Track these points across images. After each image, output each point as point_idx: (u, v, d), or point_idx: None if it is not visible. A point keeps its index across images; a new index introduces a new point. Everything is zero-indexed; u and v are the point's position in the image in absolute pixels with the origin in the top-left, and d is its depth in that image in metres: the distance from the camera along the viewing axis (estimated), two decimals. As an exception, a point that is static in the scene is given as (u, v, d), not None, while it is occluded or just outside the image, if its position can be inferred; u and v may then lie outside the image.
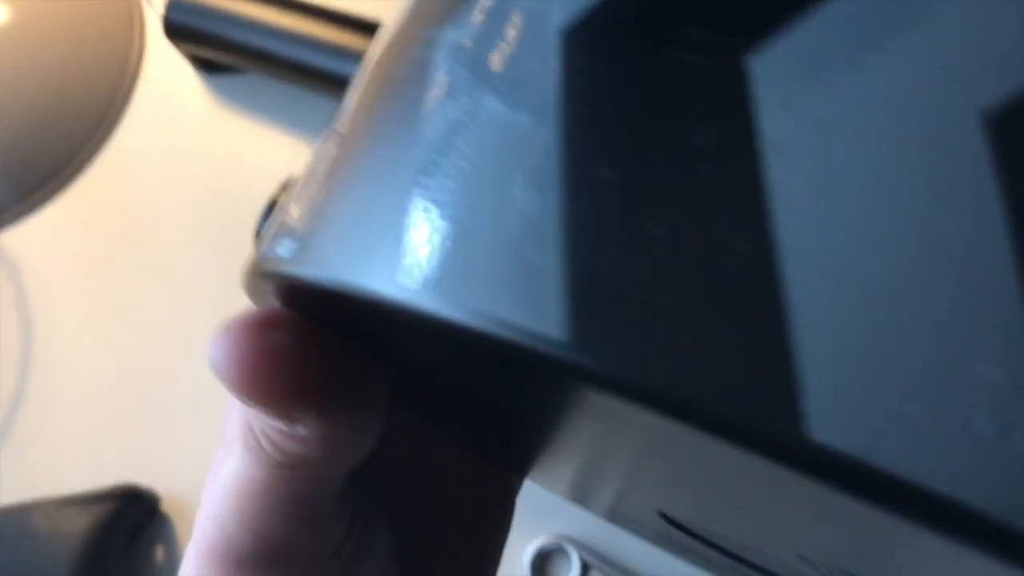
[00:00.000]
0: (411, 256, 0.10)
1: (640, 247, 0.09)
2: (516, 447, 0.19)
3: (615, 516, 0.25)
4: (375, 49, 0.14)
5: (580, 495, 0.25)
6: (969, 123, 0.08)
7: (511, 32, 0.11)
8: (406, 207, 0.11)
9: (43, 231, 0.52)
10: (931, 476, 0.08)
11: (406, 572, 0.19)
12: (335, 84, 0.46)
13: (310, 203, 0.12)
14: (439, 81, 0.11)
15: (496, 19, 0.11)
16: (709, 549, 0.20)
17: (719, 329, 0.09)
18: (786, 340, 0.08)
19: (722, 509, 0.15)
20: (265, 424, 0.14)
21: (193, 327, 0.48)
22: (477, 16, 0.11)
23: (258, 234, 0.47)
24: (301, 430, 0.14)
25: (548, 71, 0.11)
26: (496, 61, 0.11)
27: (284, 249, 0.12)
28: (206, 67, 0.53)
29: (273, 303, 0.13)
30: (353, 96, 0.13)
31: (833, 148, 0.09)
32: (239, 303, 0.14)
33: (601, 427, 0.12)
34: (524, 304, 0.09)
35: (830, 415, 0.08)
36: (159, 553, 0.46)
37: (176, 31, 0.50)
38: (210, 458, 0.17)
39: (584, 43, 0.11)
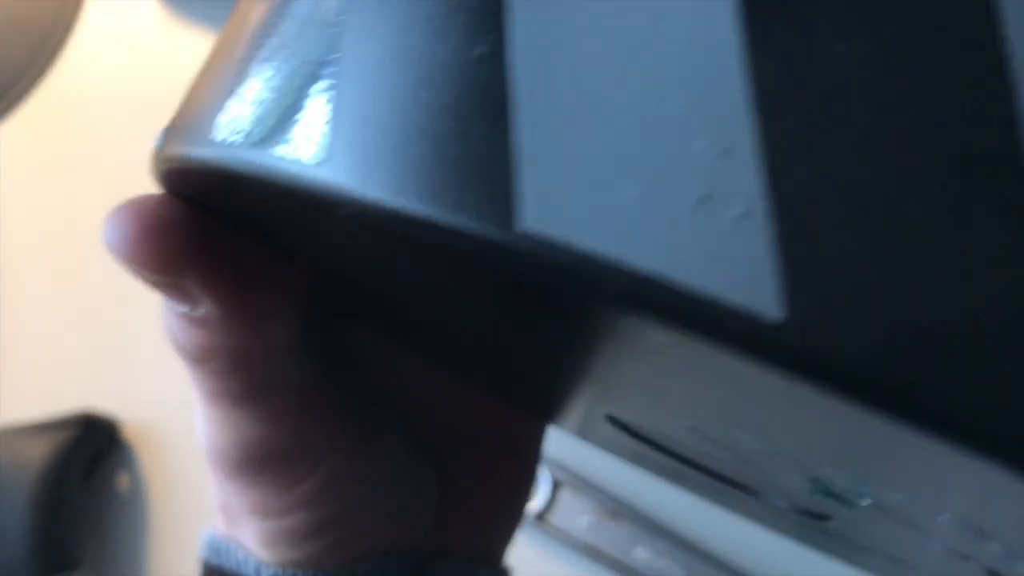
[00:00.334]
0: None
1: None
2: (475, 361, 0.19)
3: (583, 432, 0.25)
4: None
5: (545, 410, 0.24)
6: None
7: None
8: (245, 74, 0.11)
9: (-12, 152, 0.50)
10: (640, 257, 0.08)
11: (442, 492, 0.20)
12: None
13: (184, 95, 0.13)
14: None
15: None
16: (665, 457, 0.19)
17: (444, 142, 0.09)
18: (505, 144, 0.09)
19: (644, 399, 0.14)
20: (171, 317, 0.15)
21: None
22: None
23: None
24: (200, 311, 0.15)
25: None
26: None
27: (156, 139, 0.13)
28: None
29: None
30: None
31: None
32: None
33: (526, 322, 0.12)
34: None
35: (540, 207, 0.09)
36: (123, 481, 0.45)
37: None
38: (171, 384, 0.18)
39: None
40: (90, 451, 0.44)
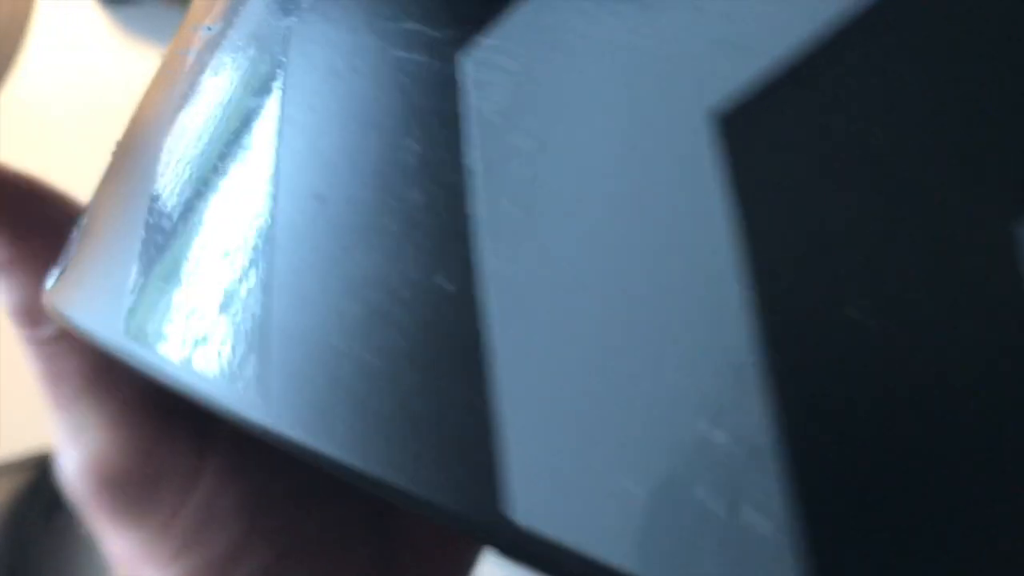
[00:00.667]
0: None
1: None
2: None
3: None
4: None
5: None
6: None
7: None
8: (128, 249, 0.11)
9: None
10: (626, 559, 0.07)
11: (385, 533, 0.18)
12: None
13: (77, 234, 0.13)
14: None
15: None
16: None
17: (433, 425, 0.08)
18: (491, 431, 0.08)
19: None
20: None
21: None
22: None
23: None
24: None
25: None
26: None
27: (51, 278, 0.13)
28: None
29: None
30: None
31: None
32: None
33: None
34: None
35: (529, 499, 0.08)
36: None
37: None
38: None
39: None
40: (50, 492, 0.42)
